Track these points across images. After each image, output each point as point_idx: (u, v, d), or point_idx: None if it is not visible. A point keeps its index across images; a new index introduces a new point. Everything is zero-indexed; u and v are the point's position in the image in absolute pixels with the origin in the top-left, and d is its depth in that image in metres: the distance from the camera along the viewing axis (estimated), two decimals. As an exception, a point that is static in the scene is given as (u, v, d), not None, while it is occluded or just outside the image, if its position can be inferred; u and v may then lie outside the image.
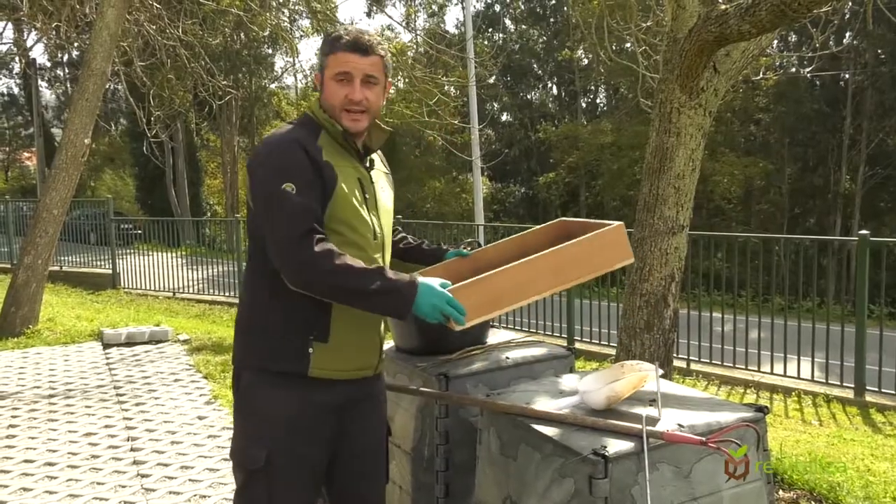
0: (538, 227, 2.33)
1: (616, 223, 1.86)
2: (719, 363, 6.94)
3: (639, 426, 1.64)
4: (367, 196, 1.96)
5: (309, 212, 1.78)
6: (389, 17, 56.01)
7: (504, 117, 36.39)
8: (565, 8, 32.13)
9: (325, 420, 1.93)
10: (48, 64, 37.34)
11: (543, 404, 1.89)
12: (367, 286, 1.74)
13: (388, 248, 2.06)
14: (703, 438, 1.59)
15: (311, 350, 1.88)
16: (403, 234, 2.41)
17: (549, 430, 1.74)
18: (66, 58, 34.38)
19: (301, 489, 1.91)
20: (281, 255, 1.78)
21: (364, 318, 1.92)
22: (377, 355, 2.02)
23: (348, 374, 1.95)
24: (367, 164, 2.01)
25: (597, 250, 1.83)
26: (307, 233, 1.75)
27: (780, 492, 3.43)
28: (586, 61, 31.78)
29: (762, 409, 1.81)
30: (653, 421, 1.71)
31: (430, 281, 1.80)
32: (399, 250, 2.34)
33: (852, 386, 6.12)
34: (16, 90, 40.38)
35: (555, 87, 37.35)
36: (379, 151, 2.16)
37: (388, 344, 2.80)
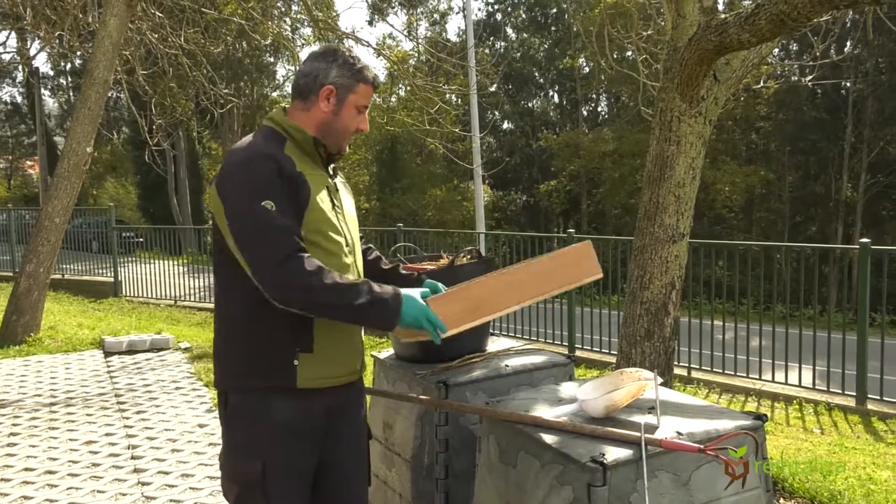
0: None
1: (585, 241, 2.01)
2: (720, 371, 6.93)
3: (637, 434, 1.64)
4: (336, 203, 1.98)
5: (289, 231, 1.78)
6: (391, 25, 56.29)
7: (505, 125, 36.46)
8: (567, 17, 32.23)
9: (316, 427, 1.95)
10: (51, 73, 37.54)
11: (543, 412, 1.89)
12: (355, 301, 1.76)
13: (359, 254, 2.09)
14: (701, 446, 1.59)
15: (296, 362, 1.88)
16: (372, 247, 2.36)
17: (549, 438, 1.74)
18: (68, 66, 34.55)
19: (296, 496, 1.92)
20: (265, 276, 1.75)
21: (346, 325, 1.95)
22: (360, 360, 2.05)
23: (335, 382, 1.96)
24: (332, 172, 2.04)
25: (568, 264, 1.93)
26: (292, 253, 1.75)
27: (781, 500, 3.42)
28: (587, 69, 31.86)
29: (760, 417, 1.81)
30: (651, 429, 1.71)
31: (412, 292, 1.84)
32: (377, 270, 2.29)
33: (854, 394, 6.10)
34: (19, 99, 40.58)
35: (556, 96, 37.44)
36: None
37: (389, 351, 2.81)
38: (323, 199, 1.91)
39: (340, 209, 2.00)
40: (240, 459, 1.91)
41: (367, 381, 2.48)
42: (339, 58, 1.95)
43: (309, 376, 1.89)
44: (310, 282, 1.73)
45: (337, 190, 2.02)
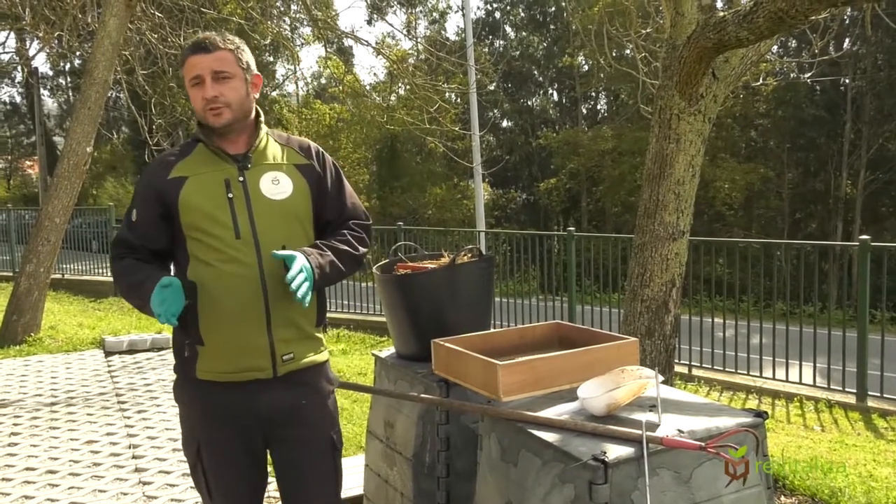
0: (536, 324, 2.62)
1: (633, 339, 2.21)
2: (721, 369, 6.93)
3: (638, 431, 1.64)
4: (233, 195, 1.97)
5: (122, 241, 2.03)
6: (390, 24, 56.27)
7: (505, 124, 36.43)
8: (565, 15, 32.19)
9: (236, 420, 2.01)
10: (50, 73, 37.52)
11: (544, 410, 1.90)
12: (134, 300, 1.97)
13: (271, 245, 1.97)
14: (702, 443, 1.60)
15: (188, 354, 2.00)
16: (343, 232, 2.16)
17: (550, 436, 1.75)
18: (68, 66, 34.53)
19: (232, 478, 2.05)
20: None
21: (232, 320, 1.94)
22: (267, 358, 1.98)
23: (233, 377, 1.98)
24: (244, 163, 2.01)
25: (618, 355, 2.14)
26: (113, 258, 2.05)
27: (782, 497, 3.42)
28: (586, 68, 31.83)
29: (761, 415, 1.81)
30: (652, 426, 1.71)
31: (164, 286, 1.86)
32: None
33: (854, 391, 6.11)
34: (18, 99, 40.54)
35: (555, 94, 37.39)
36: (299, 142, 2.15)
37: (390, 350, 2.82)
38: (202, 194, 1.96)
39: (241, 199, 1.97)
40: (183, 441, 2.12)
41: (368, 380, 2.47)
42: None
43: (204, 368, 2.00)
44: (116, 284, 2.05)
45: (242, 180, 1.99)
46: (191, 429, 2.07)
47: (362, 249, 2.13)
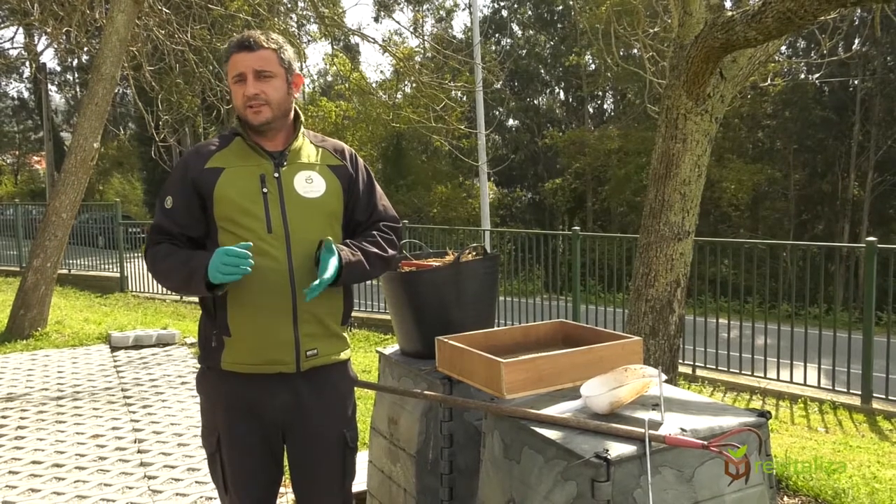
0: (540, 322, 2.60)
1: (637, 338, 2.20)
2: (725, 369, 6.92)
3: (641, 430, 1.65)
4: (268, 190, 2.00)
5: (158, 228, 2.03)
6: (397, 22, 56.25)
7: (511, 122, 36.40)
8: (573, 13, 32.13)
9: (257, 413, 2.04)
10: (58, 68, 37.71)
11: (547, 408, 1.90)
12: (176, 279, 1.97)
13: (302, 241, 2.01)
14: (705, 442, 1.60)
15: (215, 344, 2.02)
16: (372, 234, 2.18)
17: (552, 434, 1.75)
18: (75, 62, 34.66)
19: (249, 470, 2.07)
20: None
21: (259, 312, 1.98)
22: (291, 352, 2.01)
23: (257, 369, 2.01)
24: (280, 160, 2.04)
25: (621, 354, 2.13)
26: (149, 245, 2.04)
27: (785, 497, 3.42)
28: (593, 67, 31.78)
29: (764, 414, 1.81)
30: (655, 425, 1.72)
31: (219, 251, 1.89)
32: None
33: (859, 393, 6.10)
34: (26, 94, 40.69)
35: (562, 93, 37.33)
36: (333, 144, 2.20)
37: (394, 347, 2.82)
38: (237, 187, 1.99)
39: (275, 195, 2.01)
40: (203, 433, 2.14)
41: (372, 377, 2.47)
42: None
43: (230, 359, 2.01)
44: (153, 269, 2.02)
45: (277, 176, 2.02)
46: (212, 419, 2.09)
47: (391, 251, 2.16)
